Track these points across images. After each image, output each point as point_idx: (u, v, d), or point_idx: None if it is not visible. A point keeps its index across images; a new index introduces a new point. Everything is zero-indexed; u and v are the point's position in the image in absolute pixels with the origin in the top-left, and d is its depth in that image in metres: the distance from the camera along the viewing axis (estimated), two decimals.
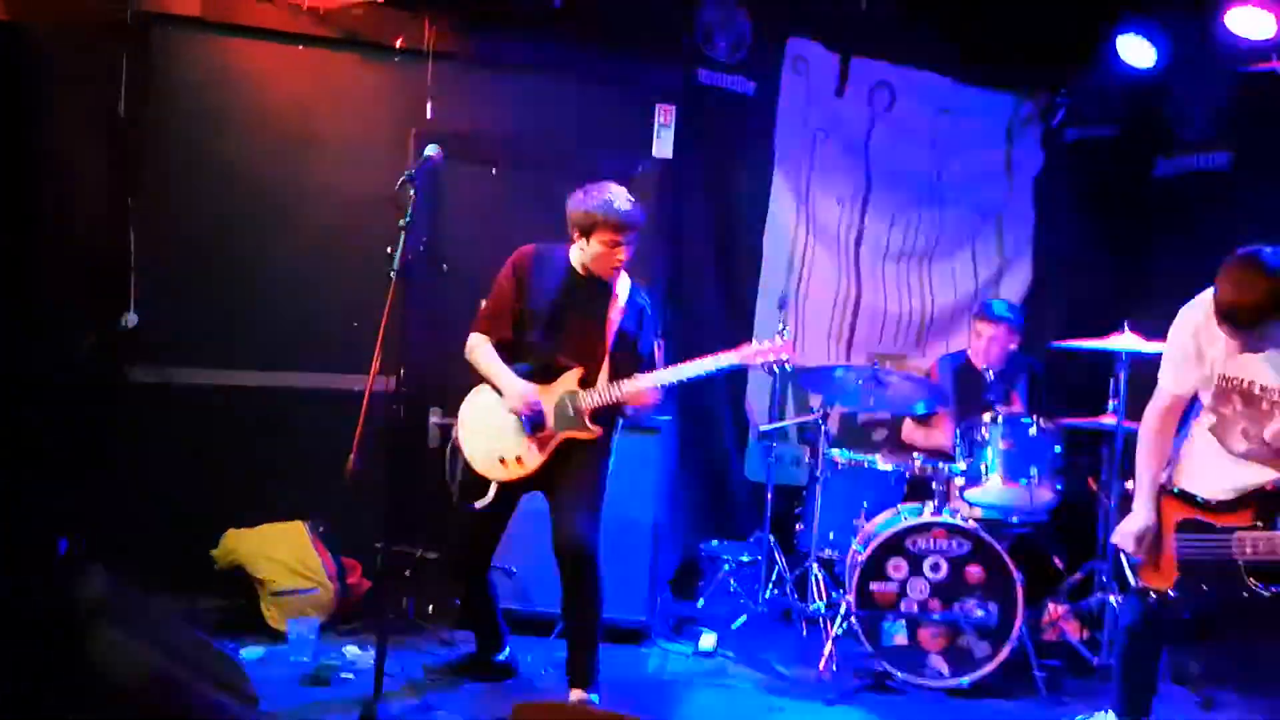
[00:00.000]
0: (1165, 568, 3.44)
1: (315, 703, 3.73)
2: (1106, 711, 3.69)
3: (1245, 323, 3.13)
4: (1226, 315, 3.15)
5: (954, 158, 5.97)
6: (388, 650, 3.55)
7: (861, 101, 5.87)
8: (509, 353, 3.90)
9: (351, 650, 4.15)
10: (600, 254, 3.85)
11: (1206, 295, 3.33)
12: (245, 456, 4.82)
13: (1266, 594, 3.17)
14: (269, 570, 4.37)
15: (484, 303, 4.00)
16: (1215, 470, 3.40)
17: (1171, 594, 3.41)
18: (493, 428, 3.85)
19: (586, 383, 3.86)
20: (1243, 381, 3.31)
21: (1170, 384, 3.51)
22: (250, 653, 4.08)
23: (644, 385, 3.82)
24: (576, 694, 3.78)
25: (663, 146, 5.50)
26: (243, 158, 4.94)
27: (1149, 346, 4.33)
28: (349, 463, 3.39)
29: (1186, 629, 3.58)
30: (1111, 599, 4.44)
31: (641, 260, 5.49)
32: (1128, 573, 3.59)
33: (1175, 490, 3.45)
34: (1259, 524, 3.23)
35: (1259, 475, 3.31)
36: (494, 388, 3.86)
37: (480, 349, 3.91)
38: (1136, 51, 5.19)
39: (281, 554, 4.42)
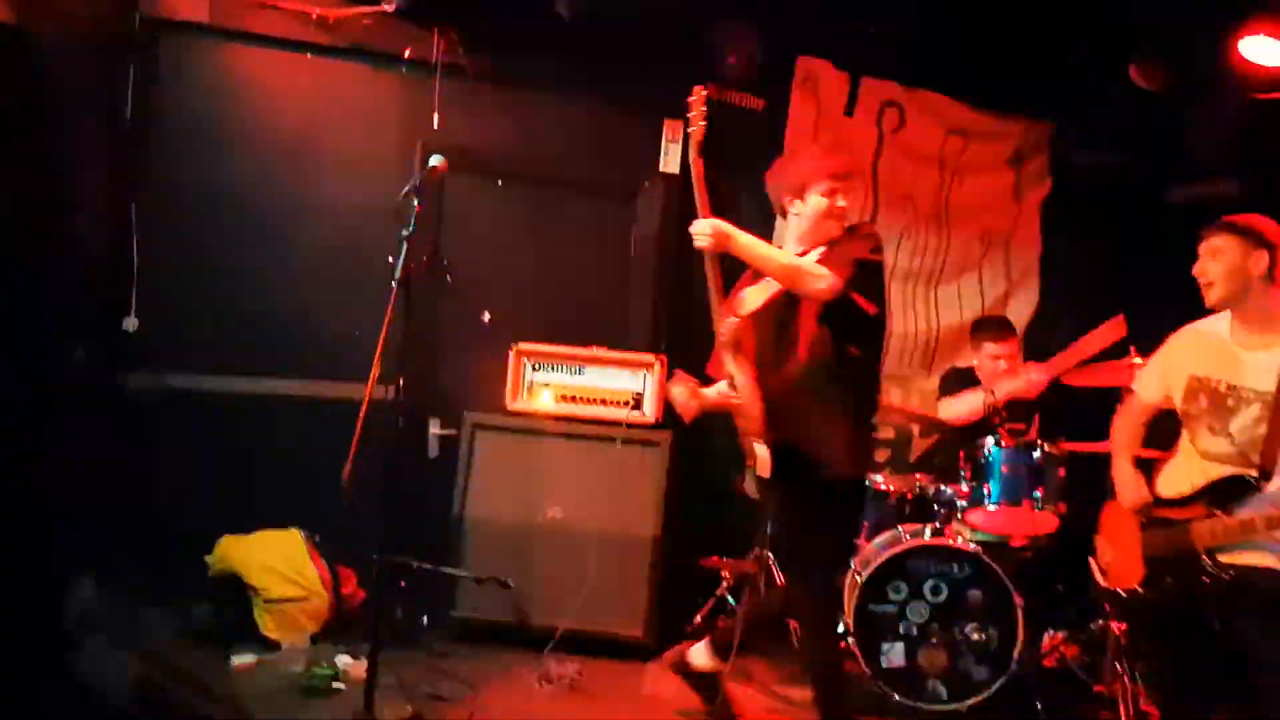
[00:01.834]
0: (1133, 567, 3.55)
1: (307, 713, 3.70)
2: None
3: None
4: None
5: (962, 180, 5.95)
6: (381, 662, 3.51)
7: (870, 122, 5.85)
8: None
9: (344, 660, 4.10)
10: (824, 207, 3.56)
11: (1206, 321, 3.55)
12: (243, 464, 4.78)
13: (1226, 577, 3.27)
14: (263, 578, 4.35)
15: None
16: (1184, 470, 3.51)
17: (1139, 589, 3.53)
18: None
19: None
20: (1211, 380, 3.45)
21: (1143, 391, 3.76)
22: (242, 661, 4.05)
23: None
24: None
25: (670, 162, 5.49)
26: (248, 165, 4.95)
27: None
28: (345, 471, 3.36)
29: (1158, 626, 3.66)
30: (1113, 626, 4.40)
31: (648, 279, 5.56)
32: (1097, 577, 3.67)
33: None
34: (1215, 513, 3.32)
35: (1222, 473, 3.40)
36: None
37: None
38: (1148, 78, 5.17)
39: (277, 562, 4.40)
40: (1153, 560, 3.50)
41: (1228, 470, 3.38)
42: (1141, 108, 5.38)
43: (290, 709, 3.72)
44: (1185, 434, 3.57)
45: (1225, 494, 3.34)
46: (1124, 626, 4.34)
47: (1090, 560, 3.76)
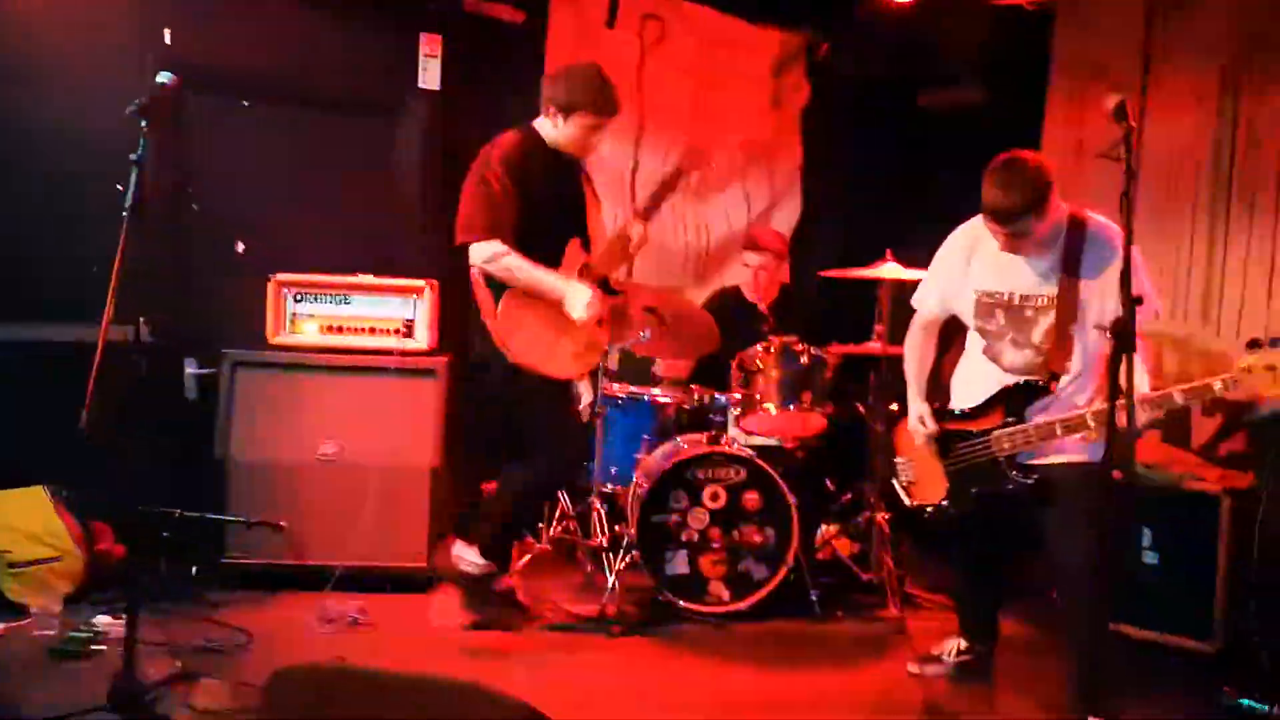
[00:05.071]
0: (936, 483, 3.62)
1: (64, 679, 3.45)
2: (956, 637, 3.84)
3: (1007, 219, 3.24)
4: (993, 213, 3.26)
5: (723, 91, 6.00)
6: (147, 618, 3.30)
7: (632, 34, 5.80)
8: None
9: (104, 620, 3.82)
10: (576, 140, 4.07)
11: (974, 220, 3.47)
12: None
13: (1028, 482, 3.36)
14: (6, 540, 4.00)
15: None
16: (979, 382, 3.55)
17: (944, 504, 3.59)
18: None
19: None
20: (1003, 294, 3.44)
21: (927, 301, 3.70)
22: None
23: None
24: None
25: (429, 78, 5.29)
26: None
27: (911, 274, 4.49)
28: (82, 418, 3.10)
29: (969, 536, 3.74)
30: (878, 517, 4.62)
31: (414, 201, 5.36)
32: (902, 496, 3.75)
33: (938, 411, 3.62)
34: (1010, 420, 3.40)
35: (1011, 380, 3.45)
36: None
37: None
38: None
39: (20, 522, 4.05)
40: (955, 473, 3.55)
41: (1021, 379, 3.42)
42: (892, 15, 5.54)
43: (45, 676, 3.46)
44: (977, 346, 3.57)
45: (1019, 400, 3.39)
46: (888, 516, 4.58)
47: (893, 481, 3.79)
